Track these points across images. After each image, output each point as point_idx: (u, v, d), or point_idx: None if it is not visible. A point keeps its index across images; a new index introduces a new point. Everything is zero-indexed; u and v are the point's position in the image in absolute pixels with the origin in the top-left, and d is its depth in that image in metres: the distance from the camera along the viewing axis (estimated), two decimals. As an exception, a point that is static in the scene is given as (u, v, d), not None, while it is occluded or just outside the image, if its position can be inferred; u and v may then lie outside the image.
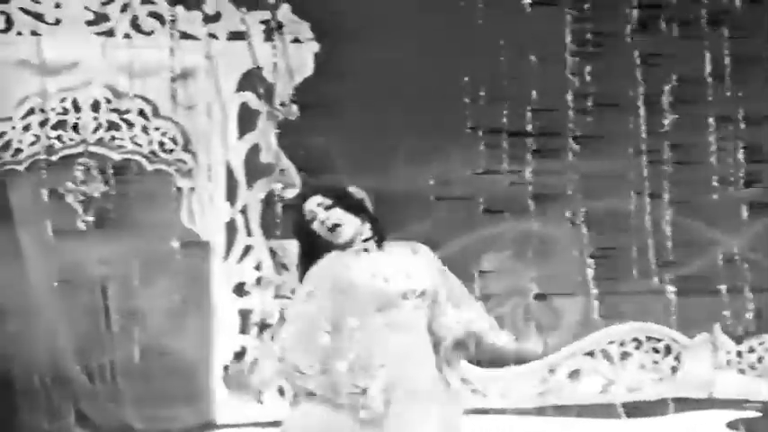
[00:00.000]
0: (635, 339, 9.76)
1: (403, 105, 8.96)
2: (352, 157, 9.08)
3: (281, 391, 9.01)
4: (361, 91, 8.96)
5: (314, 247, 4.25)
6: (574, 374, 9.71)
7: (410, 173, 9.45)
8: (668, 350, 9.87)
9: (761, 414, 9.10)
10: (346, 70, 8.99)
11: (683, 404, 9.37)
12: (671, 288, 9.69)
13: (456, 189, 9.50)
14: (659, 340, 9.84)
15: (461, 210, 9.53)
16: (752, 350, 10.35)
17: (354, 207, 4.26)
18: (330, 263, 4.21)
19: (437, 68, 9.01)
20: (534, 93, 9.24)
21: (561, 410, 9.25)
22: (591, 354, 9.73)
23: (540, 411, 9.28)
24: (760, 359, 10.39)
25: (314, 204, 4.23)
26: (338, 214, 4.21)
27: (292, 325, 4.20)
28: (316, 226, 4.21)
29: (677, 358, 9.88)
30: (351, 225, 4.21)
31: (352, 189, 4.39)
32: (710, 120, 9.59)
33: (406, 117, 8.96)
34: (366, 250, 4.26)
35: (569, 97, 9.34)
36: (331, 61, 9.04)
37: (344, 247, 4.23)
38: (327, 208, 4.21)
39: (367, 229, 4.27)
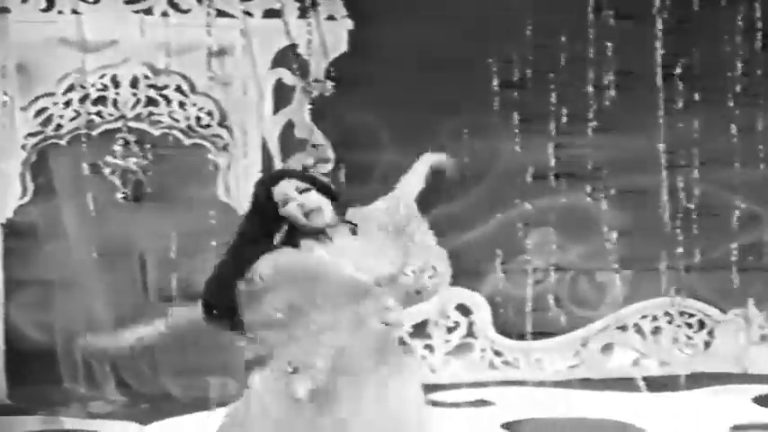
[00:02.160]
0: (667, 314, 9.83)
1: (435, 82, 9.06)
2: (386, 133, 9.23)
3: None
4: (394, 67, 9.07)
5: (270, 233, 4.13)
6: (606, 348, 9.82)
7: (444, 149, 9.54)
8: (702, 325, 9.93)
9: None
10: (380, 47, 9.11)
11: (716, 379, 9.42)
12: (705, 263, 9.75)
13: (494, 165, 9.62)
14: (692, 315, 9.91)
15: (501, 185, 9.66)
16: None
17: (327, 192, 4.16)
18: (295, 253, 4.08)
19: (467, 46, 9.13)
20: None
21: (593, 384, 9.31)
22: (623, 328, 9.82)
23: (572, 384, 9.35)
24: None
25: (289, 188, 4.08)
26: (315, 197, 4.09)
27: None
28: (290, 209, 4.06)
29: (710, 333, 9.95)
30: (329, 208, 4.10)
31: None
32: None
33: (437, 94, 9.05)
34: (329, 238, 4.11)
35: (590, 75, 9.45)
36: (365, 38, 9.15)
37: (310, 234, 4.09)
38: (303, 192, 4.08)
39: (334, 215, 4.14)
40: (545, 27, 9.24)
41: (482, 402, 8.63)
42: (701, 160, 9.67)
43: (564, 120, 9.42)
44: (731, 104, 9.65)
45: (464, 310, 9.59)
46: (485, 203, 9.63)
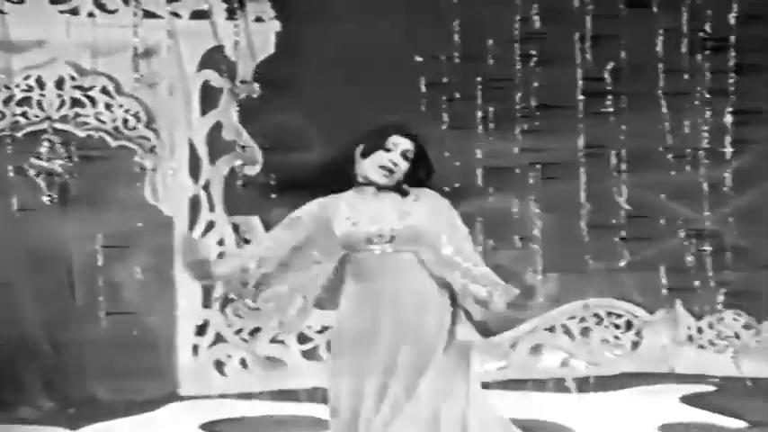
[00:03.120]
0: (595, 315, 9.89)
1: (364, 83, 9.05)
2: (315, 135, 9.21)
3: (244, 363, 9.19)
4: (322, 69, 9.07)
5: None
6: (535, 349, 9.86)
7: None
8: (629, 325, 10.00)
9: (716, 389, 9.17)
10: (308, 49, 9.10)
11: (644, 379, 9.48)
12: (633, 265, 9.81)
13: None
14: (620, 316, 9.97)
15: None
16: (711, 326, 10.48)
17: (420, 171, 4.56)
18: (328, 200, 4.58)
19: (397, 46, 9.13)
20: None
21: (522, 385, 9.33)
22: (551, 329, 9.87)
23: (502, 385, 9.37)
24: (719, 335, 10.53)
25: (405, 144, 4.50)
26: (405, 165, 4.48)
27: (264, 241, 4.73)
28: (382, 157, 4.46)
29: (638, 333, 10.01)
30: (401, 174, 4.50)
31: None
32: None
33: (367, 95, 9.04)
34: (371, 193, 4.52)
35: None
36: (292, 40, 9.15)
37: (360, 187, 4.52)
38: (406, 157, 4.48)
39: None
40: (473, 27, 9.26)
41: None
42: (629, 162, 9.72)
43: (491, 121, 9.44)
44: (659, 107, 9.71)
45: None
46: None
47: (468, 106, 9.41)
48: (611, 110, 9.60)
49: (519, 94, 9.49)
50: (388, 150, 4.48)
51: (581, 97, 9.60)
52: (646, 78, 9.59)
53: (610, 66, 9.59)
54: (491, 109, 9.43)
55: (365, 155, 4.53)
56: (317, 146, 9.07)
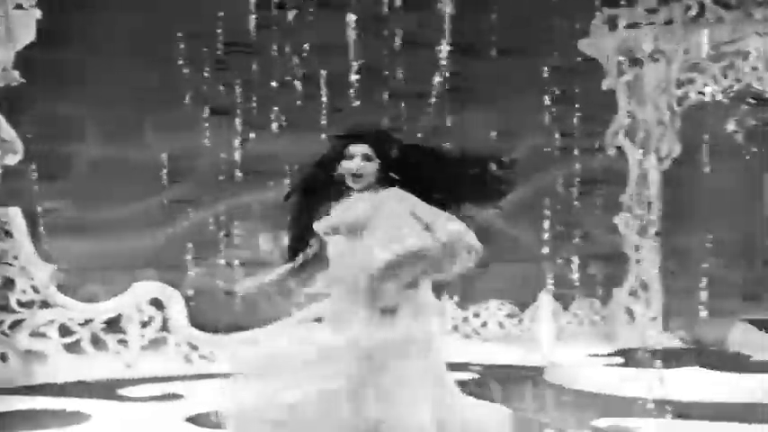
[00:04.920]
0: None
1: (132, 73, 9.02)
2: (83, 125, 9.12)
3: (4, 357, 9.03)
4: (90, 57, 8.99)
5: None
6: (301, 340, 9.92)
7: (144, 142, 9.60)
8: (396, 316, 10.13)
9: (479, 376, 9.37)
10: (70, 37, 8.98)
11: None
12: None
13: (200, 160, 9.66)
14: (386, 306, 10.10)
15: (208, 179, 9.69)
16: (477, 315, 10.75)
17: (389, 163, 4.75)
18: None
19: (165, 37, 9.11)
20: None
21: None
22: (319, 320, 9.92)
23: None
24: (484, 324, 10.81)
25: (360, 149, 4.70)
26: (370, 168, 4.70)
27: None
28: (345, 165, 4.70)
29: (406, 323, 10.15)
30: (370, 178, 4.73)
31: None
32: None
33: (134, 86, 9.01)
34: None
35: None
36: (56, 28, 8.99)
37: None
38: (366, 159, 4.69)
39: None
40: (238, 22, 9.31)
41: (172, 396, 8.58)
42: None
43: (251, 116, 9.49)
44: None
45: (158, 304, 9.55)
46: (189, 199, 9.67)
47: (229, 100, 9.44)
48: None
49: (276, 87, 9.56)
50: (352, 158, 4.72)
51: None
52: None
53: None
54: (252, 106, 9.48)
55: (335, 165, 4.80)
56: (86, 137, 9.00)
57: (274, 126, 9.49)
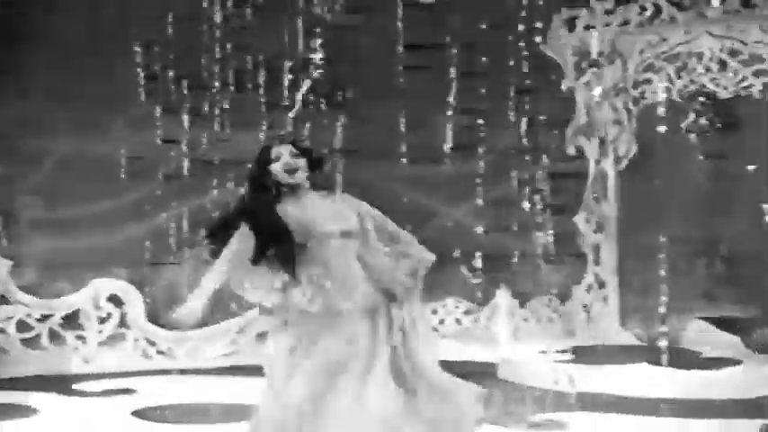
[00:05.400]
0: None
1: (79, 71, 9.18)
2: (43, 121, 9.26)
3: None
4: (48, 56, 9.16)
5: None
6: (262, 335, 10.04)
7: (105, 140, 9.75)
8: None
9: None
10: (31, 35, 9.16)
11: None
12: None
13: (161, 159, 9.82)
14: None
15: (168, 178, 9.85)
16: (435, 312, 10.87)
17: (312, 161, 5.05)
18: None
19: (110, 35, 9.28)
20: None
21: (250, 371, 9.49)
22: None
23: (229, 371, 9.56)
24: (442, 321, 10.94)
25: (286, 148, 5.01)
26: (301, 162, 4.99)
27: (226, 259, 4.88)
28: (277, 166, 4.96)
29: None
30: (304, 173, 5.00)
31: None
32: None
33: (83, 84, 9.16)
34: (298, 196, 5.03)
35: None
36: (15, 26, 9.16)
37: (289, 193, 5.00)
38: (294, 156, 4.99)
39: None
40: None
41: (125, 391, 8.71)
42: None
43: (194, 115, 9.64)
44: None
45: (116, 300, 9.70)
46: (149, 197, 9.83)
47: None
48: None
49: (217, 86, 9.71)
50: (279, 157, 5.01)
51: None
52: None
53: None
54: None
55: (268, 165, 5.03)
56: (49, 133, 9.17)
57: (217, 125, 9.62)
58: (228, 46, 9.62)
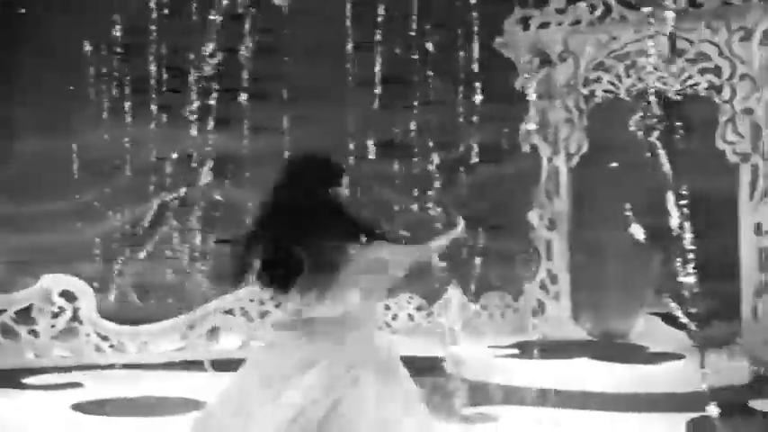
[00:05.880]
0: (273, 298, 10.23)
1: (56, 74, 9.32)
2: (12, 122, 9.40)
3: None
4: (15, 57, 9.29)
5: None
6: (213, 332, 10.18)
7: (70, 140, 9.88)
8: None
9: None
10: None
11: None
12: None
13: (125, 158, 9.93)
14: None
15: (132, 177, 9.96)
16: (387, 308, 10.99)
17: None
18: None
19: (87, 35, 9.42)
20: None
21: (200, 366, 9.59)
22: (230, 312, 10.21)
23: (180, 366, 9.66)
24: (395, 317, 11.05)
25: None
26: None
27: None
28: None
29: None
30: None
31: None
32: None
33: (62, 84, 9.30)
34: None
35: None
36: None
37: None
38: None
39: None
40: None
41: (72, 385, 8.81)
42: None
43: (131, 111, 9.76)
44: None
45: (69, 296, 9.80)
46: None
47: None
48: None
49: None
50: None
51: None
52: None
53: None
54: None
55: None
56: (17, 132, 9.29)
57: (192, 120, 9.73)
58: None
